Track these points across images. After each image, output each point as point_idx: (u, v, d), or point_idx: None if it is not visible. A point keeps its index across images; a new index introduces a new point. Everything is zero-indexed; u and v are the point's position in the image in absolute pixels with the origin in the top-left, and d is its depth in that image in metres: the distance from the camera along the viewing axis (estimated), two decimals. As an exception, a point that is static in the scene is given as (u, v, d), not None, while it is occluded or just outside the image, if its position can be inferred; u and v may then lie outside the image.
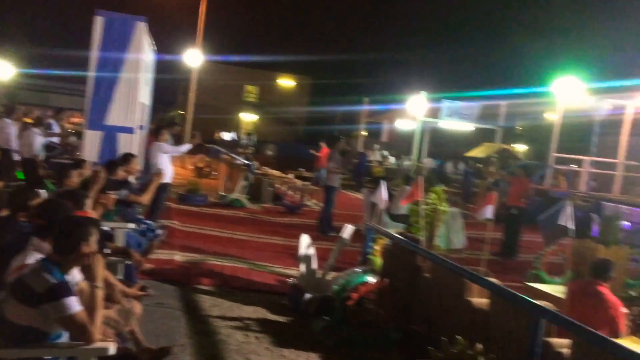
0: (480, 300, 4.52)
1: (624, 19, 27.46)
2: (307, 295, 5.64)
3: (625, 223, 9.11)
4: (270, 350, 4.73)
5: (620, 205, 12.94)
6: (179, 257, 7.36)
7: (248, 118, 41.60)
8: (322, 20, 48.68)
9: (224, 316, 5.43)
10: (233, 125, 35.33)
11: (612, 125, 17.45)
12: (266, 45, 42.07)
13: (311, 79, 44.36)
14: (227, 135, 23.53)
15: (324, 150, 14.83)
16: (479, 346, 3.60)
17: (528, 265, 8.31)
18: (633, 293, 5.50)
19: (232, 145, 21.19)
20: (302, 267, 6.05)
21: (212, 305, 5.72)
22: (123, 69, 8.28)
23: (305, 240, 6.13)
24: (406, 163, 21.76)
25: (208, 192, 13.39)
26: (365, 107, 25.97)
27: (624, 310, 4.50)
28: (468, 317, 4.47)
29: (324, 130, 26.97)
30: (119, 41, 8.27)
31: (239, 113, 41.00)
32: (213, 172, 18.34)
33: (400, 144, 26.83)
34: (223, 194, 13.29)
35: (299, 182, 15.89)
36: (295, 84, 43.69)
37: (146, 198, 6.49)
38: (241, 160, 14.03)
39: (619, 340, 3.72)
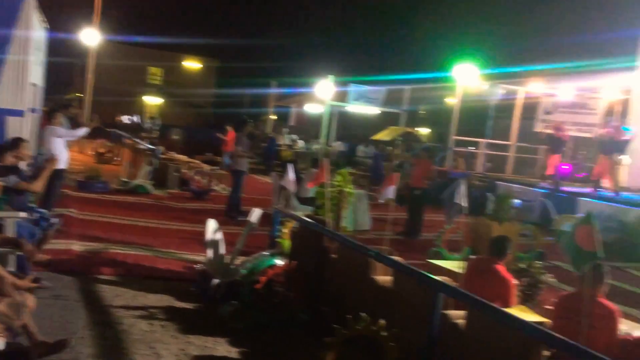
0: (384, 278, 4.68)
1: (517, 10, 29.20)
2: (215, 281, 5.58)
3: (516, 201, 9.72)
4: (176, 337, 4.64)
5: (512, 184, 13.91)
6: (77, 246, 7.01)
7: (152, 101, 40.12)
8: (229, 1, 47.61)
9: (127, 306, 5.25)
10: (136, 109, 33.88)
11: (505, 109, 18.61)
12: (171, 25, 40.51)
13: (218, 62, 43.44)
14: (129, 119, 22.56)
15: (231, 134, 14.63)
16: (382, 322, 3.73)
17: (430, 243, 8.70)
18: (522, 265, 5.90)
19: (135, 129, 20.38)
20: (210, 253, 5.97)
21: (114, 296, 5.51)
22: (10, 48, 7.67)
23: (212, 225, 6.03)
24: (315, 146, 21.96)
25: (109, 179, 12.83)
26: (274, 91, 25.89)
27: (515, 282, 4.81)
28: (373, 294, 4.62)
29: (232, 113, 26.59)
30: (4, 18, 7.64)
31: (142, 96, 39.42)
32: (115, 158, 17.61)
33: (309, 127, 27.00)
34: (126, 180, 12.79)
35: (206, 167, 15.60)
36: (202, 66, 42.61)
37: (38, 185, 6.10)
38: (145, 145, 13.53)
39: (508, 310, 4.00)
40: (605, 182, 13.24)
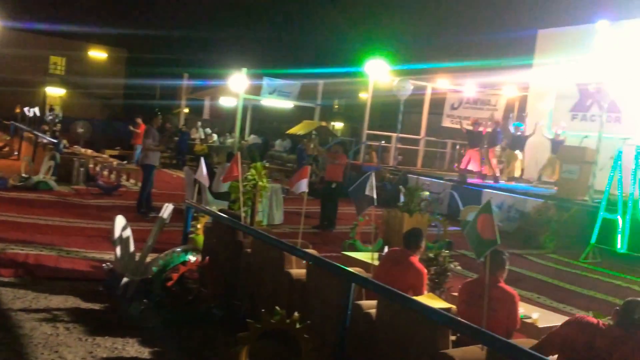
0: (299, 271, 4.71)
1: (426, 7, 30.22)
2: (124, 280, 5.38)
3: (426, 193, 10.10)
4: (82, 340, 4.43)
5: (422, 177, 14.45)
6: (-30, 248, 6.51)
7: (54, 92, 37.90)
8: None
9: (28, 309, 4.95)
10: (37, 100, 31.90)
11: (415, 104, 19.30)
12: (75, 12, 38.35)
13: (127, 52, 41.74)
14: (29, 111, 21.17)
15: (142, 127, 14.13)
16: (296, 314, 3.75)
17: (345, 235, 8.89)
18: (431, 255, 6.12)
19: (36, 122, 19.17)
20: (118, 251, 5.74)
21: (14, 298, 5.17)
22: None
23: (120, 222, 5.80)
24: (229, 140, 21.68)
25: (8, 174, 12.01)
26: (186, 83, 25.25)
27: (425, 271, 4.99)
28: (287, 288, 4.63)
29: (143, 106, 25.70)
30: None
31: (44, 87, 37.14)
32: (13, 152, 16.51)
33: (223, 121, 26.62)
34: (26, 175, 12.02)
35: (114, 161, 14.98)
36: (109, 56, 40.73)
37: None
38: (46, 139, 12.77)
39: (417, 298, 4.15)
40: (488, 171, 14.17)
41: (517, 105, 18.30)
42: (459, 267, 6.46)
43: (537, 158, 15.05)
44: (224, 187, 9.23)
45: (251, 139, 21.99)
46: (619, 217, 9.75)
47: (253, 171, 7.69)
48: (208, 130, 23.60)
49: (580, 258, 9.78)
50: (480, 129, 14.12)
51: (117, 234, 5.73)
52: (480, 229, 3.46)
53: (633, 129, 13.54)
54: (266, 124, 29.06)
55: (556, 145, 13.58)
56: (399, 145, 17.34)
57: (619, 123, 14.06)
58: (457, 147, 18.12)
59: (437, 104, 19.02)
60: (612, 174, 10.07)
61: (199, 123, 23.97)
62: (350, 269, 4.00)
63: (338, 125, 30.28)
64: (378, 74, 17.00)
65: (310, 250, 4.86)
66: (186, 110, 26.58)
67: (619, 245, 9.66)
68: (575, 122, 15.01)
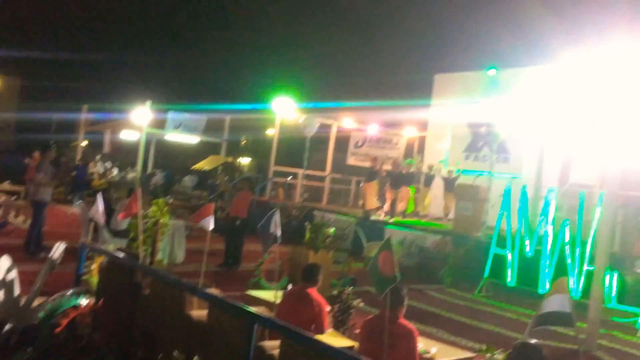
0: (200, 313, 4.54)
1: (332, 49, 31.19)
2: (7, 326, 4.92)
3: (331, 229, 10.18)
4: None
5: (327, 214, 14.63)
6: None
7: None
8: (33, 13, 43.39)
9: None
10: None
11: (321, 142, 19.71)
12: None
13: (20, 80, 39.37)
14: None
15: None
16: (196, 358, 3.60)
17: (250, 273, 8.73)
18: (335, 292, 6.17)
19: None
20: (1, 295, 5.26)
21: None
22: None
23: (3, 263, 5.35)
24: (131, 175, 20.87)
25: None
26: (86, 115, 24.14)
27: (328, 308, 5.01)
28: (188, 330, 4.45)
29: (39, 138, 24.19)
30: None
31: None
32: None
33: (125, 155, 25.63)
34: None
35: (2, 197, 13.89)
36: (1, 84, 38.19)
37: None
38: None
39: (320, 336, 4.14)
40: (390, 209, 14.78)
41: (416, 145, 19.16)
42: (362, 304, 6.52)
43: (434, 196, 15.78)
44: (124, 225, 8.82)
45: (154, 174, 21.31)
46: (508, 252, 10.33)
47: (155, 208, 7.42)
48: (108, 164, 22.59)
49: (476, 292, 10.23)
50: (400, 168, 14.72)
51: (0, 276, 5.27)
52: (381, 266, 3.54)
53: (520, 169, 14.60)
54: (171, 158, 28.32)
55: (450, 183, 14.29)
56: (305, 182, 17.48)
57: (507, 163, 15.07)
58: (361, 184, 18.56)
59: (342, 142, 19.49)
60: (501, 211, 10.67)
61: (98, 157, 22.93)
62: (252, 309, 3.91)
63: (245, 161, 30.16)
64: (285, 111, 17.20)
65: (213, 290, 4.73)
66: (85, 143, 25.39)
67: (508, 279, 10.22)
68: (468, 161, 15.90)
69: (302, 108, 17.74)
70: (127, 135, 22.61)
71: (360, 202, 17.80)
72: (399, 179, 14.32)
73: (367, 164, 17.30)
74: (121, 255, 5.42)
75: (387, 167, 14.83)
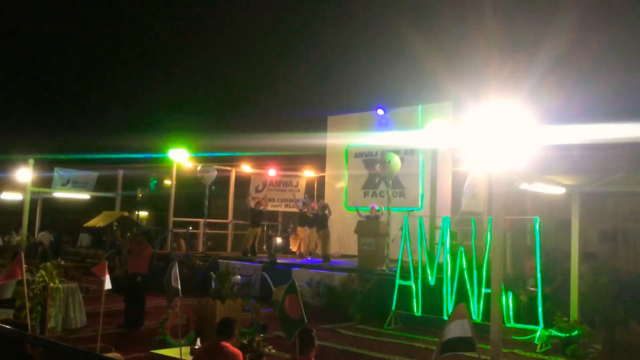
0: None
1: (225, 95, 31.33)
2: None
3: (237, 277, 10.03)
4: None
5: (232, 261, 14.36)
6: None
7: None
8: None
9: None
10: None
11: (220, 188, 19.55)
12: None
13: None
14: None
15: None
16: None
17: (155, 331, 8.26)
18: (245, 341, 6.01)
19: None
20: None
21: None
22: None
23: None
24: (16, 239, 19.37)
25: None
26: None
27: (240, 354, 4.86)
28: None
29: None
30: None
31: None
32: None
33: (7, 217, 23.73)
34: None
35: None
36: None
37: None
38: None
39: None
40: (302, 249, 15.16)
41: (316, 185, 19.50)
42: (273, 351, 6.41)
43: (339, 233, 16.13)
44: (8, 293, 8.10)
45: (41, 235, 19.94)
46: (412, 283, 10.64)
47: (42, 272, 6.88)
48: (-12, 229, 20.82)
49: (385, 325, 10.39)
50: (261, 208, 15.43)
51: None
52: (288, 310, 3.51)
53: (416, 202, 15.34)
54: (61, 217, 26.63)
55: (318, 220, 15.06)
56: (208, 231, 17.18)
57: (403, 197, 15.77)
58: (265, 228, 18.51)
59: (243, 187, 19.41)
60: (402, 243, 11.03)
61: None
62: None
63: (143, 214, 29.03)
64: (181, 161, 16.92)
65: (114, 354, 4.44)
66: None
67: (415, 310, 10.49)
68: (367, 198, 16.44)
69: (198, 156, 17.61)
70: (8, 196, 21.03)
71: (264, 247, 17.76)
72: (323, 220, 14.89)
73: (269, 207, 17.38)
74: (5, 326, 4.95)
75: (293, 208, 15.01)
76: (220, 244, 18.71)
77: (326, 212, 15.21)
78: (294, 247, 16.31)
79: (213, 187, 17.53)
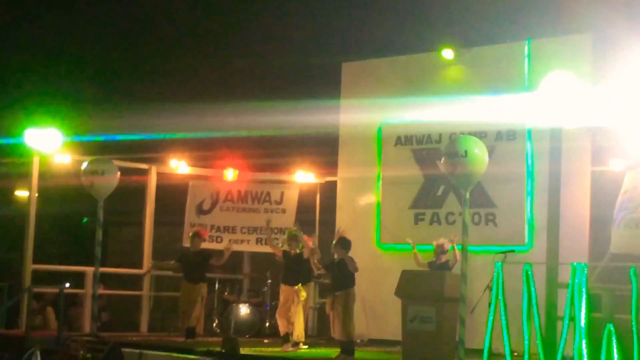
0: None
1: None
2: None
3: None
4: None
5: (150, 351, 14.15)
6: None
7: None
8: None
9: None
10: None
11: (128, 206, 19.24)
12: None
13: None
14: None
15: None
16: None
17: None
18: None
19: None
20: None
21: None
22: None
23: None
24: None
25: None
26: None
27: None
28: None
29: None
30: None
31: None
32: None
33: None
34: None
35: None
36: None
37: None
38: None
39: None
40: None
41: (318, 201, 19.10)
42: None
43: (363, 297, 15.70)
44: None
45: None
46: None
47: None
48: None
49: None
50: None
51: None
52: None
53: (518, 234, 14.95)
54: None
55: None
56: (103, 290, 16.96)
57: (493, 225, 15.42)
58: (217, 286, 18.13)
59: (175, 204, 19.14)
60: (491, 316, 10.73)
61: None
62: None
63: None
64: (49, 151, 16.64)
65: None
66: None
67: None
68: (420, 227, 16.12)
69: (83, 143, 17.32)
70: None
71: (215, 323, 17.39)
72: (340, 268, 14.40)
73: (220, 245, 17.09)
74: None
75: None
76: (127, 316, 18.42)
77: (341, 250, 14.66)
78: (281, 327, 15.90)
79: (114, 204, 17.24)
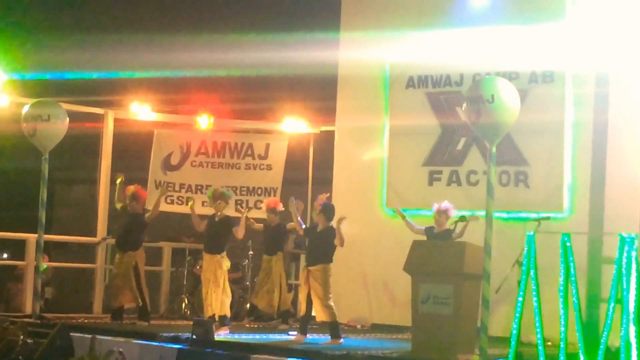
0: None
1: None
2: None
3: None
4: None
5: (104, 337, 14.21)
6: None
7: None
8: None
9: None
10: None
11: (78, 158, 19.27)
12: None
13: None
14: None
15: None
16: None
17: None
18: None
19: None
20: None
21: None
22: None
23: None
24: None
25: None
26: None
27: None
28: None
29: None
30: None
31: None
32: None
33: None
34: None
35: None
36: None
37: None
38: None
39: None
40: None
41: (311, 155, 19.08)
42: None
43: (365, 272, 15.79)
44: None
45: None
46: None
47: None
48: None
49: None
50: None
51: None
52: None
53: (554, 197, 14.91)
54: None
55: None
56: (48, 262, 16.99)
57: (524, 186, 15.40)
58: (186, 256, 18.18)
59: (136, 157, 19.15)
60: (521, 298, 10.74)
61: None
62: None
63: None
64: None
65: None
66: None
67: None
68: (436, 187, 16.08)
69: (23, 81, 17.28)
70: None
71: (184, 302, 17.45)
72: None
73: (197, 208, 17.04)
74: None
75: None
76: (76, 294, 18.50)
77: (324, 219, 14.72)
78: (259, 302, 16.04)
79: (62, 157, 17.23)
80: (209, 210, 16.59)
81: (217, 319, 15.10)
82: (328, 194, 15.02)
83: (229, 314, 15.41)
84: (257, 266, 16.80)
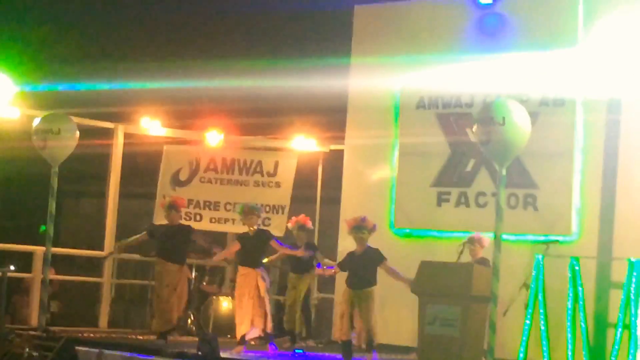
0: None
1: None
2: None
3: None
4: None
5: (110, 351, 14.20)
6: None
7: None
8: None
9: None
10: None
11: (86, 174, 19.29)
12: None
13: None
14: None
15: None
16: None
17: None
18: None
19: None
20: None
21: None
22: None
23: None
24: None
25: None
26: None
27: None
28: None
29: None
30: None
31: None
32: None
33: None
34: None
35: None
36: None
37: None
38: None
39: None
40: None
41: (321, 173, 19.10)
42: None
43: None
44: None
45: None
46: None
47: None
48: None
49: None
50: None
51: None
52: None
53: (562, 220, 14.94)
54: None
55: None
56: (55, 276, 16.96)
57: (533, 209, 15.41)
58: (193, 271, 18.19)
59: (146, 172, 19.20)
60: (528, 321, 10.72)
61: None
62: None
63: None
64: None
65: None
66: None
67: None
68: (444, 207, 16.10)
69: (33, 94, 17.32)
70: None
71: (190, 318, 17.42)
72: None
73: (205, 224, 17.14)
74: None
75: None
76: (83, 308, 18.52)
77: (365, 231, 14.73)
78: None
79: (71, 170, 17.27)
80: (216, 227, 16.71)
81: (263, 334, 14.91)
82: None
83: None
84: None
